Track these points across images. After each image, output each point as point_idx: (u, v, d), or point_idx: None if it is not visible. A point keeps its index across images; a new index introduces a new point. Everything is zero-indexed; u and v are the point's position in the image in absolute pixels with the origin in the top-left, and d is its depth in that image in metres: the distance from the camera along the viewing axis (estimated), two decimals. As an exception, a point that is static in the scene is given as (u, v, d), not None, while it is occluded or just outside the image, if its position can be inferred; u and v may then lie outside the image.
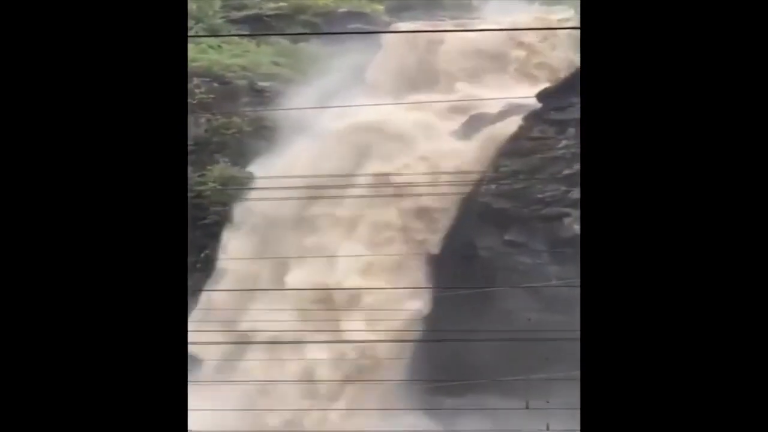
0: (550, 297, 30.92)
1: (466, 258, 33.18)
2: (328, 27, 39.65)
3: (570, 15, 35.79)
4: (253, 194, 33.12)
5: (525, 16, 37.57)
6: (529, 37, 37.21)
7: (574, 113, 32.18)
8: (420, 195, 33.09)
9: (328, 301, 30.26)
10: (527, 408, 22.44)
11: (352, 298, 30.53)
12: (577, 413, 5.97)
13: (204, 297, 30.41)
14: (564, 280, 29.07)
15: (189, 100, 35.36)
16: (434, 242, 33.28)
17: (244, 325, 30.21)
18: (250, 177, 34.55)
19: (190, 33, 34.10)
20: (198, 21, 38.08)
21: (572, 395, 8.87)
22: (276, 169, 33.15)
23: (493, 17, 39.03)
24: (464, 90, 35.80)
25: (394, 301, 30.15)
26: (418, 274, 32.50)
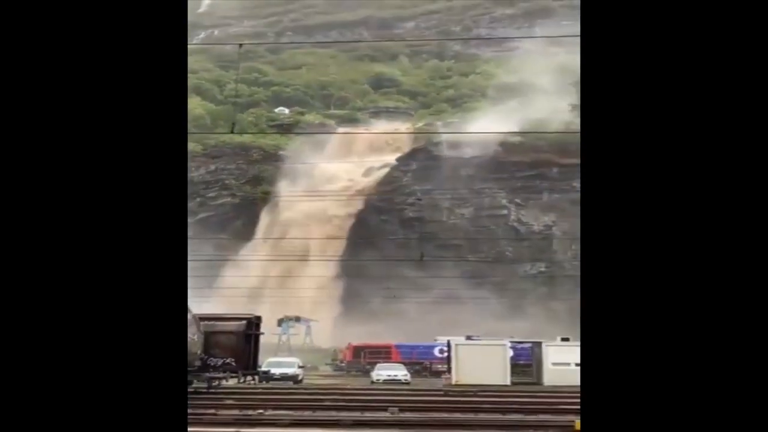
0: (398, 243, 79.14)
1: (363, 225, 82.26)
2: (309, 129, 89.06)
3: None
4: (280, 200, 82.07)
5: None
6: (396, 136, 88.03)
7: (412, 166, 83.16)
8: (349, 199, 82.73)
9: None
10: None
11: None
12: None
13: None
14: (404, 236, 78.06)
15: (249, 158, 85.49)
16: (352, 219, 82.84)
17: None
18: (274, 192, 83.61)
19: (253, 130, 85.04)
20: (256, 125, 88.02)
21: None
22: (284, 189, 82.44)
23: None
24: (366, 156, 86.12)
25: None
26: (344, 229, 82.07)
